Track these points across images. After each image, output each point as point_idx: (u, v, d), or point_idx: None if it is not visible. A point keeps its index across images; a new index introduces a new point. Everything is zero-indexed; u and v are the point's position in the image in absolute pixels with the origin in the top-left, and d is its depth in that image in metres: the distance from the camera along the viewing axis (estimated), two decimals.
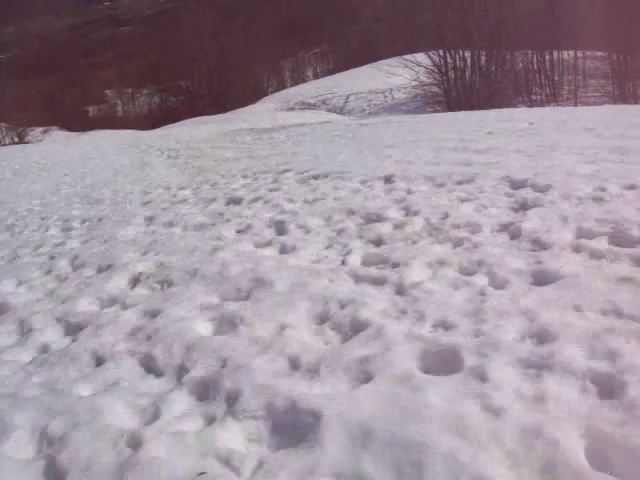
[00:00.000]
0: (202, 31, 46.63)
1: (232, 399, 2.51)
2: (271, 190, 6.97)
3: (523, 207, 4.65)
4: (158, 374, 2.89)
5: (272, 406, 2.41)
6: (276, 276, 3.84)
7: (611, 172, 5.32)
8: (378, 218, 4.92)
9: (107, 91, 75.56)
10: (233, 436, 2.30)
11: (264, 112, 34.08)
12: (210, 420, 2.43)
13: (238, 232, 5.33)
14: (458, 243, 4.06)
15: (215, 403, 2.53)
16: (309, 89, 42.07)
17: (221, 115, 35.04)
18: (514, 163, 6.29)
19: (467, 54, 24.83)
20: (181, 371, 2.84)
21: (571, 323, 2.72)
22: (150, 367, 2.97)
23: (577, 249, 3.65)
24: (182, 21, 49.15)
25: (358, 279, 3.70)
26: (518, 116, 11.65)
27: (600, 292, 2.99)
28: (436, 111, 24.06)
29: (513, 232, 4.11)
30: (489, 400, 2.24)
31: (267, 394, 2.48)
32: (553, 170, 5.66)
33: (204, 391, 2.64)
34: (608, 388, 2.27)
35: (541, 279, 3.30)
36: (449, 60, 24.60)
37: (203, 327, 3.33)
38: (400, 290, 3.40)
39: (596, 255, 3.53)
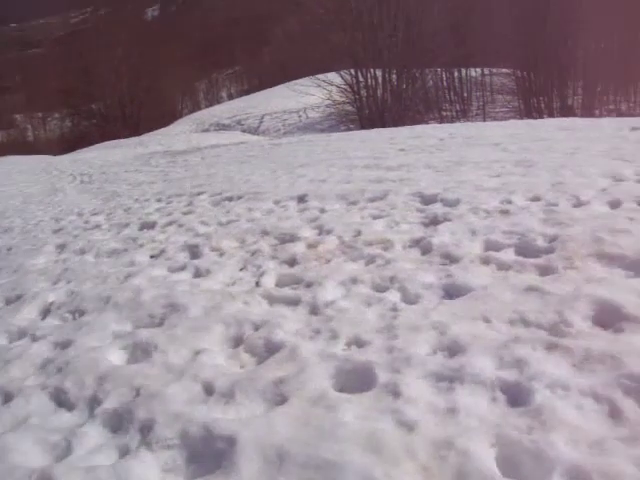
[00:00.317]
0: (114, 53, 46.01)
1: (146, 429, 2.46)
2: (185, 213, 6.91)
3: (434, 222, 4.75)
4: (70, 408, 2.80)
5: (187, 434, 2.38)
6: (190, 300, 3.81)
7: (517, 185, 5.49)
8: (292, 238, 4.92)
9: (16, 116, 73.40)
10: (148, 467, 2.26)
11: (179, 134, 33.76)
12: (124, 452, 2.37)
13: (152, 257, 5.25)
14: (371, 260, 4.11)
15: (129, 434, 2.48)
16: (224, 110, 41.92)
17: (136, 138, 34.52)
18: (425, 179, 6.42)
19: (378, 72, 25.23)
20: (93, 403, 2.77)
21: (480, 334, 2.79)
22: (61, 401, 2.88)
23: (485, 261, 3.75)
24: (93, 43, 48.31)
25: (272, 300, 3.70)
26: (429, 132, 11.89)
27: (508, 302, 3.08)
28: (350, 129, 24.34)
29: (424, 247, 4.18)
30: (402, 415, 2.27)
31: (181, 422, 2.45)
32: (462, 185, 5.80)
33: (117, 422, 2.58)
34: (516, 396, 2.33)
35: (451, 292, 3.37)
36: (361, 79, 24.96)
37: (116, 356, 3.26)
38: (314, 309, 3.42)
39: (504, 266, 3.63)
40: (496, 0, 32.00)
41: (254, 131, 33.02)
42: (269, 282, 4.06)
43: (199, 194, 8.01)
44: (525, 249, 3.88)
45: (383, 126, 19.48)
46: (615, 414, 2.16)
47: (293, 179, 7.94)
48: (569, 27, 29.86)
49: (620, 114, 30.14)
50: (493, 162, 6.92)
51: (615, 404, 2.20)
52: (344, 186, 6.68)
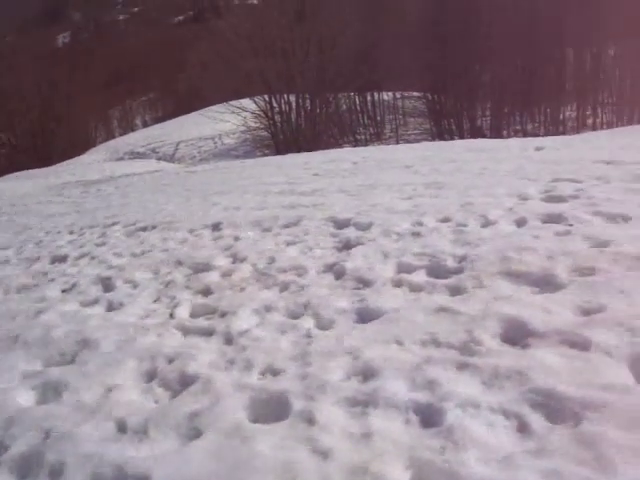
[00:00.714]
0: (23, 81, 44.81)
1: (56, 473, 2.39)
2: (98, 245, 6.76)
3: (347, 246, 4.79)
4: None
5: (99, 475, 2.32)
6: (102, 335, 3.73)
7: (427, 207, 5.60)
8: (206, 267, 4.89)
9: None
10: None
11: (92, 163, 33.07)
12: None
13: (63, 292, 5.10)
14: (285, 287, 4.11)
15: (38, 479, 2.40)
16: (138, 138, 41.35)
17: (48, 168, 33.66)
18: (338, 203, 6.47)
19: (292, 98, 25.43)
20: (0, 449, 2.67)
21: (393, 357, 2.82)
22: None
23: (398, 284, 3.80)
24: (1, 71, 46.95)
25: (186, 331, 3.65)
26: (343, 156, 12.00)
27: (420, 324, 3.12)
28: (265, 155, 24.40)
29: (338, 272, 4.22)
30: (317, 443, 2.27)
31: (93, 463, 2.38)
32: (374, 208, 5.88)
33: (26, 468, 2.49)
34: (429, 417, 2.36)
35: (365, 316, 3.40)
36: (274, 105, 25.11)
37: (25, 397, 3.14)
38: (228, 339, 3.39)
39: (415, 288, 3.69)
40: (406, 26, 32.82)
41: (169, 159, 32.68)
42: (183, 313, 4.01)
43: (112, 225, 7.85)
44: (436, 270, 3.95)
45: (298, 151, 19.60)
46: (523, 428, 2.22)
47: (208, 207, 7.88)
48: (476, 51, 30.85)
49: (526, 134, 31.28)
50: (405, 184, 7.04)
51: (523, 419, 2.26)
52: (258, 213, 6.67)
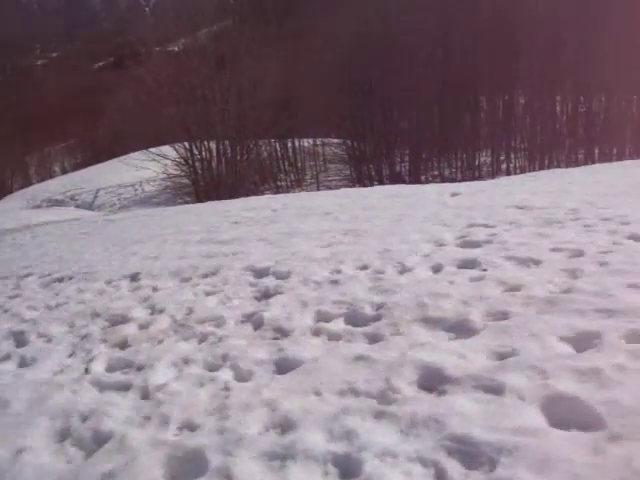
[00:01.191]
0: None
1: None
2: (11, 297, 6.54)
3: (266, 295, 4.78)
4: None
5: None
6: (13, 394, 3.59)
7: (346, 254, 5.66)
8: (123, 319, 4.79)
9: None
10: None
11: (8, 211, 32.18)
12: None
13: None
14: (203, 338, 4.07)
15: None
16: (57, 185, 40.48)
17: None
18: (257, 252, 6.47)
19: (213, 145, 25.42)
20: None
21: (311, 408, 2.81)
22: None
23: (316, 333, 3.81)
24: None
25: (102, 387, 3.55)
26: (263, 204, 12.04)
27: (338, 373, 3.12)
28: (186, 202, 24.24)
29: (256, 322, 4.19)
30: None
31: None
32: (293, 256, 5.90)
33: None
34: (347, 468, 2.36)
35: (283, 367, 3.39)
36: (195, 152, 25.05)
37: None
38: (145, 394, 3.32)
39: (334, 337, 3.70)
40: (325, 74, 33.42)
41: (88, 206, 32.09)
42: (99, 367, 3.91)
43: (27, 276, 7.63)
44: (354, 318, 3.98)
45: (219, 198, 19.55)
46: (440, 476, 2.24)
47: (126, 256, 7.75)
48: (394, 99, 31.62)
49: (443, 179, 32.10)
50: (324, 232, 7.10)
51: (439, 466, 2.27)
52: (177, 262, 6.60)
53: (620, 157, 28.04)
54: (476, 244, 5.41)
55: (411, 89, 31.28)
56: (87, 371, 3.87)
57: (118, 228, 12.33)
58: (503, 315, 3.58)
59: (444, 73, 33.38)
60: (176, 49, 28.74)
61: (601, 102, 31.47)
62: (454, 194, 9.55)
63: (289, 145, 36.97)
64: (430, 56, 32.22)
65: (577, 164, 28.98)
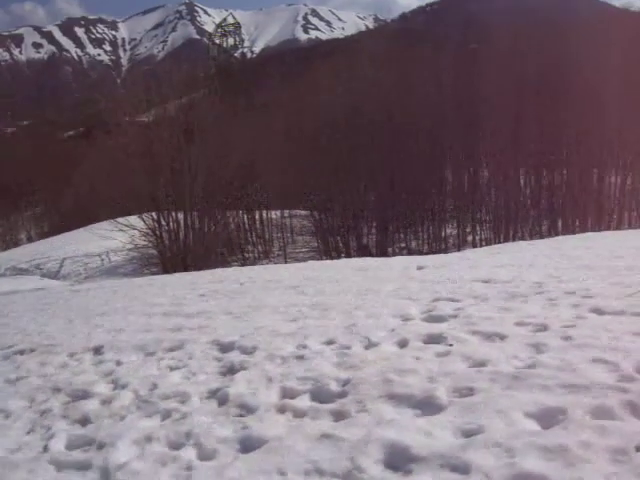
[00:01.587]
0: None
1: None
2: None
3: (231, 371, 4.73)
4: None
5: None
6: None
7: (312, 329, 5.64)
8: (85, 394, 4.70)
9: None
10: None
11: None
12: None
13: None
14: (167, 415, 4.00)
15: None
16: (22, 253, 40.10)
17: None
18: (223, 326, 6.42)
19: (180, 216, 25.45)
20: None
21: None
22: None
23: (281, 409, 3.77)
24: None
25: (61, 466, 3.47)
26: (230, 276, 12.02)
27: (302, 452, 3.09)
28: (152, 273, 24.11)
29: (221, 398, 4.14)
30: None
31: None
32: (259, 330, 5.86)
33: None
34: None
35: (247, 445, 3.34)
36: (163, 222, 25.04)
37: None
38: (105, 474, 3.25)
39: (299, 414, 3.67)
40: (293, 147, 33.93)
41: (54, 276, 31.74)
42: (58, 445, 3.81)
43: None
44: (320, 394, 3.95)
45: (186, 269, 19.47)
46: None
47: (90, 329, 7.64)
48: (361, 172, 32.09)
49: (410, 251, 32.40)
50: (290, 306, 7.09)
51: None
52: (142, 335, 6.53)
53: (583, 228, 28.64)
54: (442, 318, 5.44)
55: (377, 163, 31.84)
56: (46, 449, 3.78)
57: (83, 299, 12.18)
58: (469, 391, 3.58)
59: (411, 147, 34.10)
60: (146, 120, 28.97)
61: (562, 175, 32.24)
62: (420, 267, 9.64)
63: (257, 217, 37.17)
64: (397, 131, 32.88)
65: (541, 235, 29.56)
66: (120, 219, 26.47)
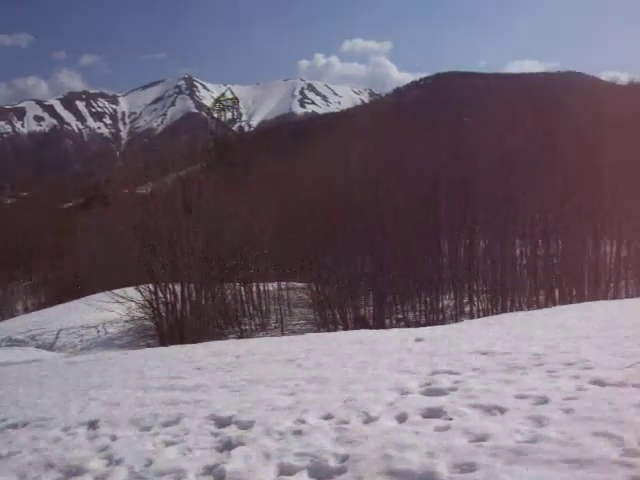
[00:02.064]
0: None
1: None
2: None
3: (228, 446, 4.65)
4: None
5: None
6: None
7: (310, 403, 5.58)
8: (78, 471, 4.62)
9: None
10: None
11: None
12: None
13: None
14: None
15: None
16: (17, 324, 39.81)
17: None
18: (220, 400, 6.34)
19: (178, 288, 25.44)
20: None
21: None
22: None
23: None
24: None
25: None
26: (227, 349, 11.94)
27: None
28: (149, 345, 23.97)
29: (218, 475, 4.07)
30: None
31: None
32: (257, 405, 5.79)
33: None
34: None
35: None
36: (160, 294, 25.01)
37: None
38: None
39: None
40: (288, 219, 34.19)
41: (50, 347, 31.47)
42: None
43: None
44: (318, 471, 3.89)
45: (182, 342, 19.38)
46: None
47: (85, 402, 7.55)
48: (358, 243, 32.25)
49: (408, 322, 32.29)
50: (288, 379, 7.01)
51: None
52: (138, 410, 6.44)
53: (580, 297, 28.62)
54: (441, 392, 5.39)
55: (374, 234, 32.04)
56: None
57: (79, 371, 12.07)
58: (470, 467, 3.53)
59: (407, 218, 34.40)
60: (144, 192, 29.26)
61: (558, 245, 32.42)
62: (418, 340, 9.60)
63: (254, 289, 37.15)
64: (393, 203, 33.19)
65: (538, 305, 29.51)
66: (117, 291, 26.45)
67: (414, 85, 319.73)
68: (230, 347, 12.64)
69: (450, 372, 6.20)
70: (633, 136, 29.26)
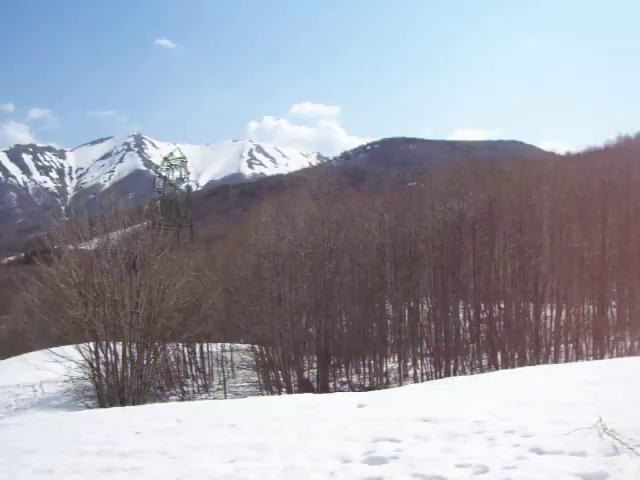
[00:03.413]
0: None
1: None
2: None
3: None
4: None
5: None
6: None
7: (250, 471, 5.51)
8: None
9: None
10: None
11: None
12: None
13: None
14: None
15: None
16: None
17: None
18: (158, 467, 6.21)
19: (119, 347, 24.94)
20: None
21: None
22: None
23: None
24: None
25: None
26: (168, 413, 11.71)
27: None
28: (88, 406, 23.31)
29: None
30: None
31: None
32: (195, 473, 5.68)
33: None
34: None
35: None
36: (100, 354, 24.47)
37: None
38: None
39: None
40: (234, 280, 34.06)
41: None
42: None
43: None
44: None
45: (123, 403, 18.89)
46: None
47: (16, 469, 7.27)
48: (302, 305, 32.23)
49: (352, 385, 32.18)
50: (229, 445, 6.91)
51: None
52: (72, 477, 6.25)
53: (522, 361, 28.94)
54: (382, 460, 5.38)
55: (319, 297, 32.07)
56: None
57: (12, 435, 11.65)
58: None
59: (351, 282, 34.63)
60: (88, 248, 28.85)
61: (500, 309, 32.84)
62: (361, 405, 9.57)
63: (197, 350, 36.66)
64: (337, 265, 33.38)
65: (481, 369, 29.75)
66: (56, 349, 25.79)
67: (361, 149, 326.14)
68: (171, 410, 12.42)
69: (392, 439, 6.20)
70: (571, 203, 30.27)
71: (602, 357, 27.18)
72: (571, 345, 31.15)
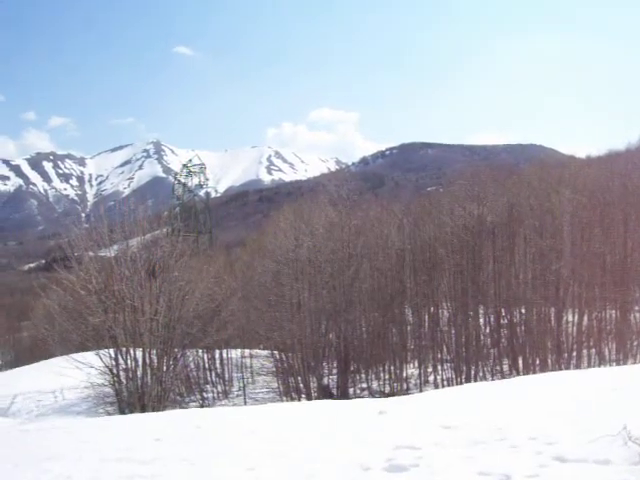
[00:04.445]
0: None
1: None
2: None
3: None
4: None
5: None
6: None
7: (270, 478, 5.46)
8: None
9: None
10: None
11: None
12: None
13: None
14: None
15: None
16: None
17: None
18: (178, 474, 6.19)
19: (139, 354, 25.01)
20: None
21: None
22: None
23: None
24: None
25: None
26: (187, 419, 11.69)
27: None
28: (108, 413, 23.39)
29: None
30: None
31: None
32: None
33: None
34: None
35: None
36: (120, 360, 24.55)
37: None
38: None
39: None
40: (254, 287, 34.08)
41: (4, 412, 30.52)
42: None
43: None
44: None
45: (143, 409, 18.90)
46: None
47: (37, 475, 7.28)
48: (322, 311, 32.17)
49: (371, 392, 32.07)
50: (249, 452, 6.86)
51: None
52: None
53: (543, 366, 28.70)
54: (403, 468, 5.33)
55: (338, 303, 32.00)
56: None
57: (32, 440, 11.69)
58: None
59: (371, 288, 34.52)
60: (108, 255, 29.00)
61: (521, 314, 32.59)
62: (381, 412, 9.50)
63: (217, 356, 36.76)
64: (357, 271, 33.29)
65: (502, 374, 29.54)
66: (76, 355, 25.92)
67: (380, 154, 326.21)
68: (191, 417, 12.40)
69: (412, 447, 6.14)
70: (592, 207, 30.00)
71: (625, 362, 26.84)
72: (593, 350, 30.82)
